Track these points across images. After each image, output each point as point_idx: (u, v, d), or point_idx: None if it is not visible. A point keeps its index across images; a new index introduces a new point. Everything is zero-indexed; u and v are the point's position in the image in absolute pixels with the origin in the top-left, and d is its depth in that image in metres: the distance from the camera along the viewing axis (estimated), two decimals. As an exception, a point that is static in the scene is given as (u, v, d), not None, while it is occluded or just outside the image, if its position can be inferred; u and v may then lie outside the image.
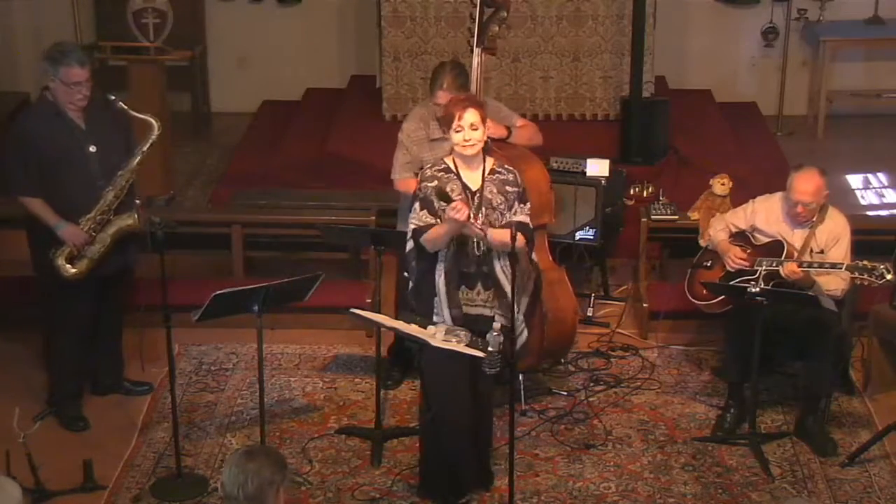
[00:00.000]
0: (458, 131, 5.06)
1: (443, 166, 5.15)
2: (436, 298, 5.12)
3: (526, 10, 8.71)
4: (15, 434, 5.22)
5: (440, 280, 5.12)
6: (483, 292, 5.16)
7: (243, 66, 9.75)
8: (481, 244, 5.11)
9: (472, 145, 5.08)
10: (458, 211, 4.93)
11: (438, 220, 5.07)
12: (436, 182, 5.09)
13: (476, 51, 6.09)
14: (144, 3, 8.21)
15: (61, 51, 5.69)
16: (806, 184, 5.79)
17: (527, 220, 5.18)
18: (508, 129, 6.05)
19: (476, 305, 5.17)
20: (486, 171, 5.16)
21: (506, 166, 5.24)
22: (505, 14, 6.18)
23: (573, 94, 8.85)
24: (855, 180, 8.53)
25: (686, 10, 9.55)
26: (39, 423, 5.47)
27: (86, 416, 6.04)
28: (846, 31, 9.47)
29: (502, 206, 5.14)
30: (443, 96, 5.83)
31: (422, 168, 5.35)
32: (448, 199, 4.97)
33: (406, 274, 5.32)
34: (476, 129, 5.06)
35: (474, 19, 6.10)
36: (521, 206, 5.19)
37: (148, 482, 5.56)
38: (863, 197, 8.32)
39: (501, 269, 5.12)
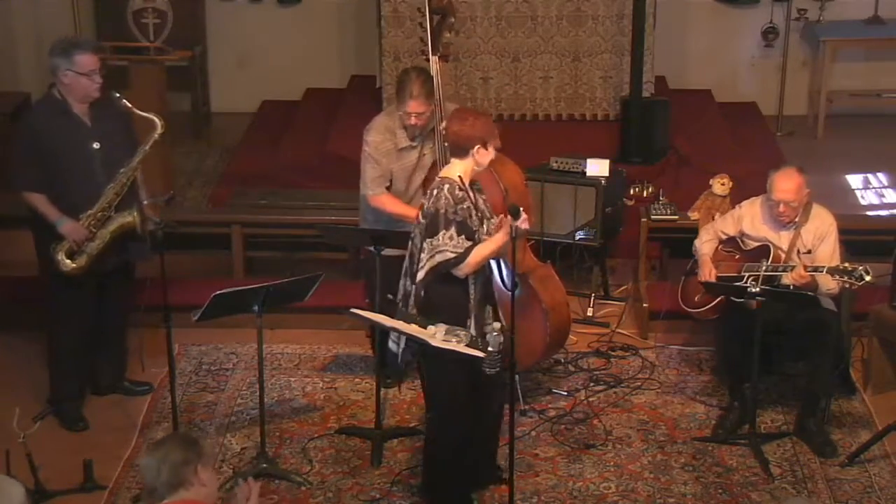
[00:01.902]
0: (496, 145, 5.05)
1: (458, 185, 4.98)
2: (468, 321, 5.02)
3: (526, 10, 8.71)
4: (15, 434, 5.22)
5: (473, 303, 5.03)
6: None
7: (243, 66, 9.75)
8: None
9: None
10: (526, 221, 4.89)
11: (472, 242, 4.94)
12: (467, 203, 4.95)
13: (433, 59, 6.05)
14: (144, 3, 8.22)
15: (71, 42, 5.71)
16: (786, 182, 5.79)
17: None
18: None
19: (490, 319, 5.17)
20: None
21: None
22: (453, 19, 6.14)
23: (573, 94, 8.84)
24: (855, 180, 8.52)
25: (686, 10, 9.55)
26: (39, 423, 5.47)
27: (86, 416, 6.05)
28: (846, 31, 9.47)
29: (488, 214, 5.13)
30: (414, 105, 5.80)
31: (447, 189, 4.97)
32: (518, 214, 4.88)
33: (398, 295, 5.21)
34: None
35: (424, 28, 6.06)
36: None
37: (148, 482, 5.56)
38: (863, 197, 8.31)
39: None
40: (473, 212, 4.97)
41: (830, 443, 5.80)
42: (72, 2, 9.01)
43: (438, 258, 4.91)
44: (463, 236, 4.91)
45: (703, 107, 9.26)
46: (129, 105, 5.81)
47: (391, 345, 5.15)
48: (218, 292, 5.34)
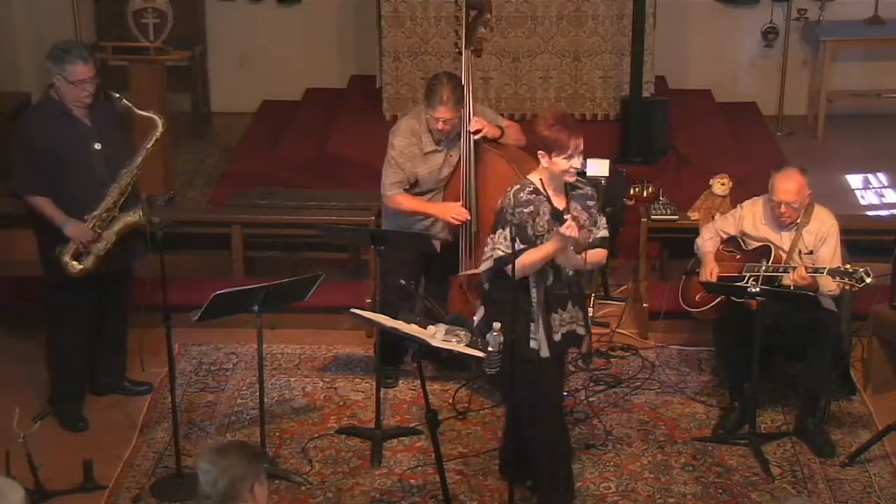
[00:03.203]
0: (567, 157, 4.90)
1: (532, 188, 4.96)
2: (532, 324, 5.00)
3: (526, 10, 8.71)
4: (15, 434, 5.23)
5: (536, 306, 5.00)
6: (571, 310, 5.13)
7: (243, 66, 9.75)
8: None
9: (576, 172, 5.00)
10: (570, 228, 4.78)
11: (528, 246, 4.91)
12: (531, 207, 4.92)
13: (465, 53, 6.09)
14: (144, 3, 8.21)
15: (64, 49, 5.68)
16: (787, 183, 5.79)
17: (607, 233, 5.16)
18: (501, 129, 6.06)
19: (566, 324, 5.13)
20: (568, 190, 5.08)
21: (581, 181, 5.12)
22: (489, 15, 6.19)
23: (573, 94, 8.84)
24: (855, 180, 8.52)
25: (686, 10, 9.55)
26: (39, 423, 5.47)
27: (86, 416, 6.05)
28: (846, 31, 9.47)
29: (588, 223, 5.01)
30: (443, 111, 5.83)
31: (514, 190, 4.98)
32: (561, 219, 4.87)
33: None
34: (580, 155, 4.96)
35: (461, 22, 6.10)
36: (601, 218, 5.16)
37: (148, 482, 5.57)
38: (863, 197, 8.31)
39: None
40: (539, 218, 4.93)
41: (830, 443, 5.80)
42: (72, 2, 9.01)
43: (494, 255, 4.96)
44: (518, 238, 4.89)
45: (703, 107, 9.25)
46: (130, 105, 5.81)
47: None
48: (218, 292, 5.34)
